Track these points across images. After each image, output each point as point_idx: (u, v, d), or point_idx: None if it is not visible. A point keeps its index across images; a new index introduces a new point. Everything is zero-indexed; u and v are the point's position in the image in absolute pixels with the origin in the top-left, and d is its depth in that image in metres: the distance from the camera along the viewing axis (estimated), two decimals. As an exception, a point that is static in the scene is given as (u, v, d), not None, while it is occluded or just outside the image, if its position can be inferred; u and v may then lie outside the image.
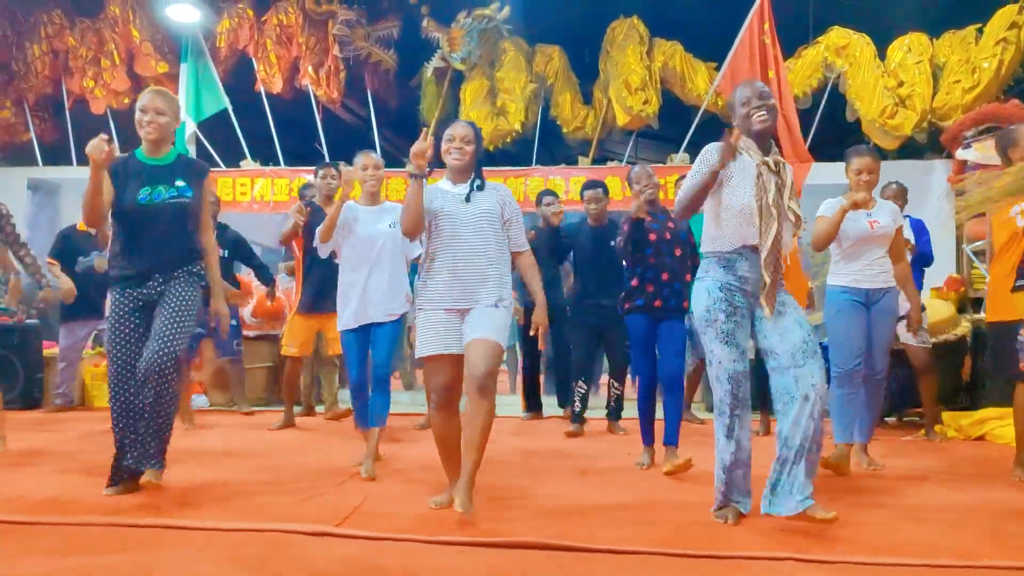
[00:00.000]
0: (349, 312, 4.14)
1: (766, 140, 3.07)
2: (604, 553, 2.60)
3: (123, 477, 3.44)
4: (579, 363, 5.80)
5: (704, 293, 3.09)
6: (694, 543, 2.71)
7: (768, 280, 2.99)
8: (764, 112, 3.02)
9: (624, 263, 4.44)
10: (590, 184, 5.71)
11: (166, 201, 3.40)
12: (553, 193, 6.41)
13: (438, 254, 3.20)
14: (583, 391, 5.71)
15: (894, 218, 4.22)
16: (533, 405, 6.63)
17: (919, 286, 5.42)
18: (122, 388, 3.38)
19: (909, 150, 8.19)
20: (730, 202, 3.04)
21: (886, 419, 5.90)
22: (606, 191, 5.67)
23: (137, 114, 3.47)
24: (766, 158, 3.03)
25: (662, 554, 2.59)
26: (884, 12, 8.33)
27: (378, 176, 4.24)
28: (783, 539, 2.78)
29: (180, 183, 3.45)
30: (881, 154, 8.21)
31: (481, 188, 3.28)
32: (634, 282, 4.31)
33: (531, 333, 3.39)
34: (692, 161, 9.02)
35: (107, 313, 3.44)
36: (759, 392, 4.87)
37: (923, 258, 5.50)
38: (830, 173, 7.36)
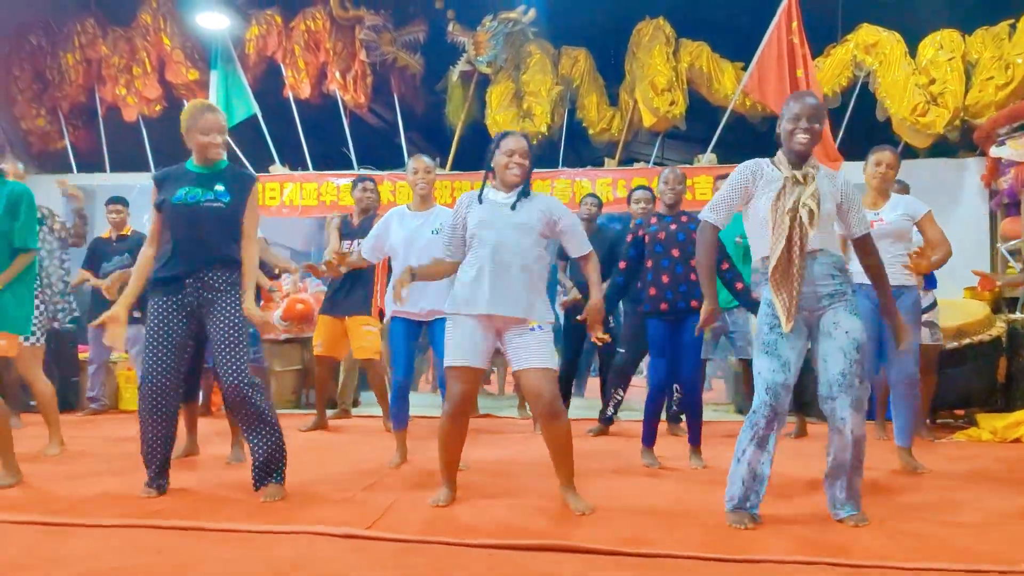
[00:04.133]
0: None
1: (802, 156, 3.06)
2: (634, 556, 2.60)
3: (160, 479, 3.49)
4: (619, 367, 5.77)
5: (761, 304, 3.12)
6: (724, 547, 2.69)
7: (775, 290, 2.97)
8: (807, 136, 3.03)
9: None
10: (639, 186, 5.78)
11: (201, 204, 3.43)
12: (595, 196, 6.32)
13: (474, 259, 3.27)
14: (620, 398, 5.75)
15: (908, 211, 4.21)
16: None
17: (933, 284, 5.48)
18: (151, 391, 3.40)
19: (941, 148, 8.08)
20: (755, 214, 3.09)
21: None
22: (654, 195, 5.69)
23: None
24: (795, 171, 3.02)
25: (692, 558, 2.57)
26: (914, 9, 8.24)
27: (428, 180, 4.29)
28: (813, 543, 2.76)
29: (219, 187, 3.48)
30: (913, 153, 8.17)
31: (526, 195, 3.33)
32: (648, 288, 4.34)
33: (579, 318, 3.51)
34: (719, 161, 8.90)
35: (147, 317, 3.46)
36: (794, 395, 4.82)
37: None
38: (860, 172, 7.28)
